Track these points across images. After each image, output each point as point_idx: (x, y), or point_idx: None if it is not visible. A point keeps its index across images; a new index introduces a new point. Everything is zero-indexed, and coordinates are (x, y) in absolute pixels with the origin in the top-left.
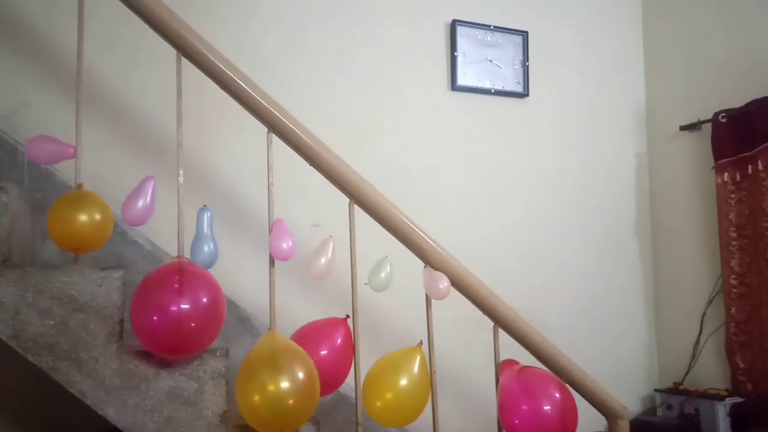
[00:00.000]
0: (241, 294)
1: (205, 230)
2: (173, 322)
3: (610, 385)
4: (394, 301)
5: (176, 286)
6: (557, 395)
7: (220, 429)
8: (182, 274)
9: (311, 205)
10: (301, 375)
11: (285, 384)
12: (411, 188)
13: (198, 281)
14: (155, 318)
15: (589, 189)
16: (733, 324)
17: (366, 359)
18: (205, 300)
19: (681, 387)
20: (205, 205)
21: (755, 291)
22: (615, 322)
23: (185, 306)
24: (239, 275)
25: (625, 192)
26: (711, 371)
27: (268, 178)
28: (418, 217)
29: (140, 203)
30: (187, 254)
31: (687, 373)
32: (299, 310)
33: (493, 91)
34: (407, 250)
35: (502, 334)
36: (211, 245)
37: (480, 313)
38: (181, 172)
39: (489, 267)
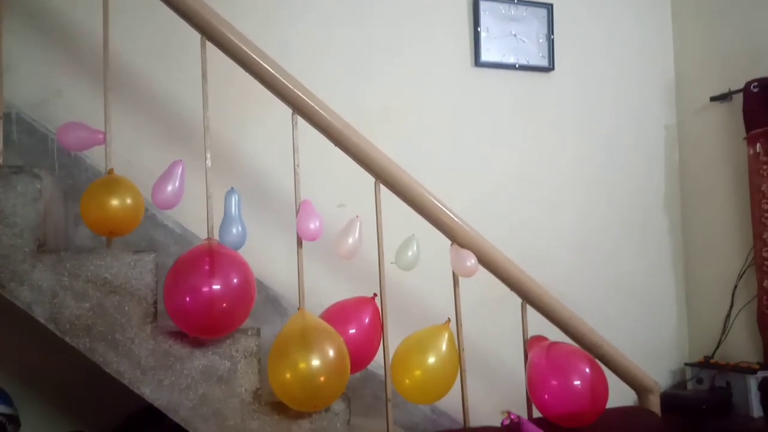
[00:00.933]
0: (269, 274)
1: (234, 212)
2: (205, 302)
3: (640, 359)
4: (421, 280)
5: (207, 267)
6: (587, 370)
7: (253, 406)
8: (212, 256)
9: (337, 186)
10: (331, 353)
11: (316, 362)
12: (435, 168)
13: (228, 262)
14: (188, 299)
15: (616, 163)
16: (765, 297)
17: (394, 337)
18: (235, 281)
19: (712, 360)
20: (232, 188)
21: None
22: (645, 297)
23: (216, 287)
24: (267, 256)
25: (654, 165)
26: (742, 345)
27: (293, 159)
28: (443, 196)
29: (170, 187)
30: (216, 236)
31: (718, 347)
32: (327, 290)
33: (517, 66)
34: (434, 228)
35: (531, 311)
36: (239, 227)
37: (507, 290)
38: (208, 155)
39: (516, 246)
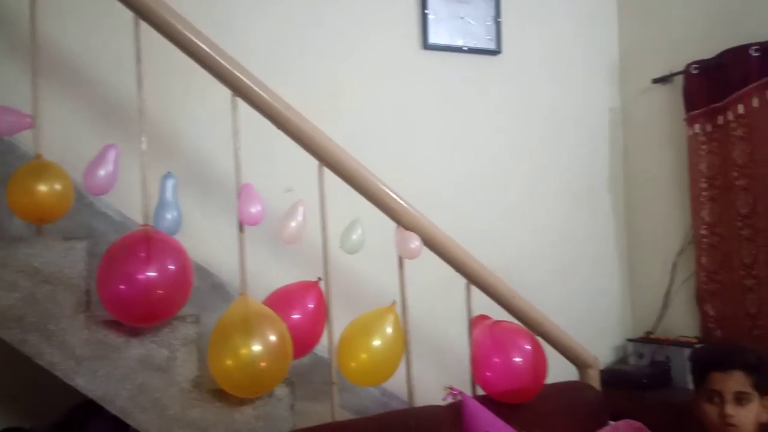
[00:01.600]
0: (215, 261)
1: (169, 197)
2: (141, 290)
3: (585, 337)
4: (368, 263)
5: (143, 254)
6: (528, 347)
7: (193, 394)
8: (148, 242)
9: (283, 171)
10: (273, 338)
11: (257, 347)
12: (383, 150)
13: (164, 248)
14: (122, 287)
15: (563, 144)
16: (703, 273)
17: (340, 321)
18: (172, 267)
19: (652, 336)
20: (169, 172)
21: (725, 241)
22: (590, 276)
23: (152, 274)
24: (212, 242)
25: (599, 146)
26: (682, 320)
27: (234, 142)
28: (392, 180)
29: (102, 172)
30: (151, 222)
31: (658, 323)
32: (274, 275)
33: (465, 48)
34: (380, 211)
35: (476, 292)
36: (175, 212)
37: (455, 273)
38: (143, 139)
39: (463, 228)
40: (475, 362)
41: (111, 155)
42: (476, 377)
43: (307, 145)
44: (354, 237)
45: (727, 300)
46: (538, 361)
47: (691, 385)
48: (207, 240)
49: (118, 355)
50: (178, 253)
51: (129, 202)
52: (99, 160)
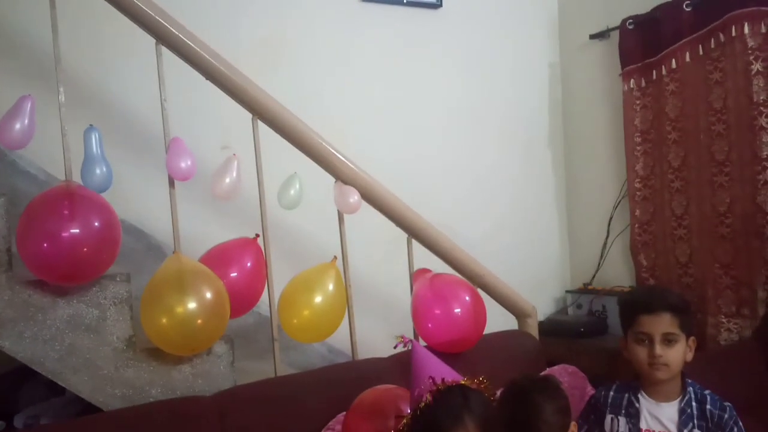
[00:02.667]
0: (151, 223)
1: (95, 151)
2: (64, 248)
3: (525, 289)
4: (307, 220)
5: (65, 211)
6: (467, 298)
7: (127, 354)
8: (71, 198)
9: (220, 127)
10: (208, 295)
11: (192, 305)
12: (321, 106)
13: (88, 205)
14: (45, 245)
15: (503, 99)
16: (637, 225)
17: (281, 279)
18: (97, 224)
19: (590, 287)
20: (91, 125)
21: (658, 193)
22: (530, 230)
23: (76, 231)
24: (146, 202)
25: (539, 102)
26: (617, 271)
27: (160, 93)
28: (330, 136)
29: (18, 125)
30: (77, 179)
31: (595, 274)
32: (212, 235)
33: (405, 1)
34: (318, 166)
35: (418, 247)
36: (104, 167)
37: (397, 228)
38: (61, 89)
39: (405, 183)
40: (416, 314)
41: (26, 107)
42: (418, 329)
43: (239, 98)
44: (292, 192)
45: (660, 250)
46: (478, 312)
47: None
48: (139, 199)
49: (45, 315)
50: (102, 209)
51: (54, 160)
52: (13, 112)
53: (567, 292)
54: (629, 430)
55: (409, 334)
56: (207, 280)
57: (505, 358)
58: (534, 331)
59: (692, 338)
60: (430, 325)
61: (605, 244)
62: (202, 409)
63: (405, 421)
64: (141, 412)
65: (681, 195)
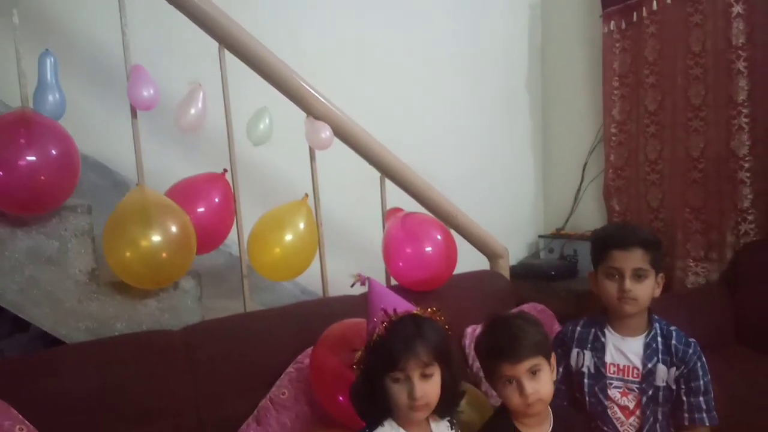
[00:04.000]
0: (117, 160)
1: (49, 78)
2: (22, 176)
3: (499, 233)
4: (278, 157)
5: (22, 139)
6: (439, 237)
7: (90, 287)
8: (28, 126)
9: (186, 59)
10: (174, 229)
11: (157, 238)
12: (297, 46)
13: (45, 132)
14: (1, 174)
15: (482, 42)
16: (611, 170)
17: (251, 215)
18: (54, 152)
19: (562, 232)
20: (47, 50)
21: (633, 137)
22: (506, 176)
23: (33, 159)
24: (112, 138)
25: (518, 45)
26: (590, 216)
27: (120, 19)
28: (305, 74)
29: None
30: (31, 105)
31: (568, 219)
32: (180, 171)
33: None
34: (289, 101)
35: (392, 187)
36: (57, 95)
37: (371, 168)
38: (15, 11)
39: (380, 126)
40: (388, 253)
41: None
42: (389, 268)
43: (205, 25)
44: (261, 127)
45: (632, 195)
46: (449, 250)
47: None
48: (104, 134)
49: (4, 247)
50: (60, 137)
51: (8, 87)
52: None
53: (540, 236)
54: (594, 363)
55: (381, 275)
56: (172, 214)
57: (477, 297)
58: (505, 272)
59: (661, 275)
60: (401, 264)
61: (579, 189)
62: (170, 342)
63: (359, 353)
64: (107, 344)
65: (656, 140)
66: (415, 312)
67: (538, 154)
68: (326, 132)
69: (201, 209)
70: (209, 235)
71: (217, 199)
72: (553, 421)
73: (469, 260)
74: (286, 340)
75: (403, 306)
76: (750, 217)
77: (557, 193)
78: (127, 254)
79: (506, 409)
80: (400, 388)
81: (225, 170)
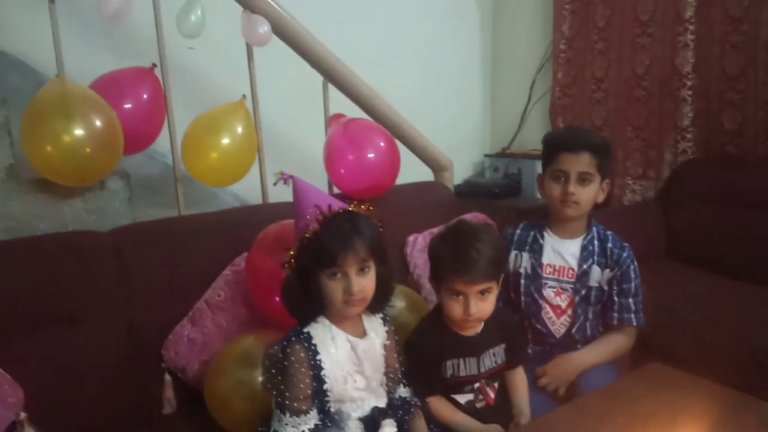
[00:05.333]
0: (42, 60)
1: None
2: None
3: (447, 153)
4: (214, 58)
5: None
6: (381, 144)
7: (9, 185)
8: None
9: None
10: (98, 123)
11: (80, 132)
12: None
13: None
14: None
15: None
16: (558, 88)
17: (184, 116)
18: None
19: (508, 151)
20: None
21: (581, 55)
22: (455, 94)
23: None
24: (33, 34)
25: None
26: (535, 135)
27: None
28: None
29: None
30: None
31: (514, 138)
32: (105, 68)
33: None
34: None
35: (336, 94)
36: None
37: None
38: None
39: (329, 39)
40: (329, 160)
41: None
42: (330, 175)
43: None
44: (192, 18)
45: (577, 113)
46: (392, 158)
47: (537, 195)
48: (25, 30)
49: None
50: None
51: None
52: None
53: (485, 156)
54: (532, 264)
55: (324, 184)
56: (96, 107)
57: (420, 207)
58: (450, 184)
59: (606, 181)
60: (342, 171)
61: (526, 108)
62: (98, 243)
63: (291, 252)
64: (30, 244)
65: (603, 57)
66: (350, 208)
67: (486, 73)
68: (264, 27)
69: (128, 106)
70: (138, 133)
71: (145, 96)
72: (484, 322)
73: (413, 174)
74: (222, 245)
75: (336, 203)
76: (689, 136)
77: (504, 112)
78: (48, 149)
79: (441, 311)
80: (336, 285)
81: (154, 65)
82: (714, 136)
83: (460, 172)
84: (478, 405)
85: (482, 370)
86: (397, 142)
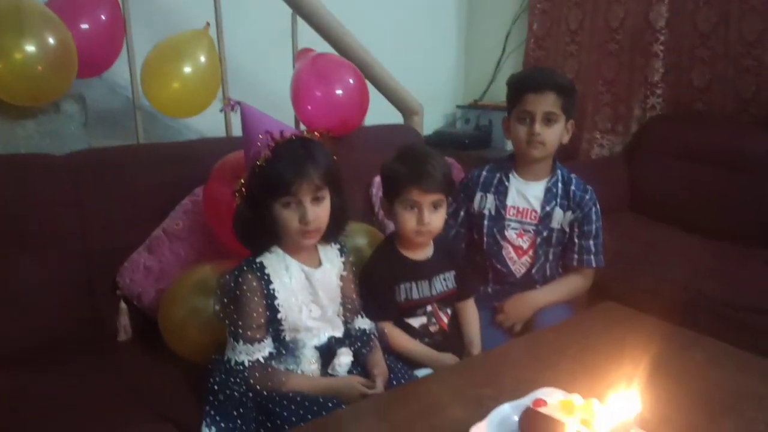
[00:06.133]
0: None
1: None
2: None
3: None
4: None
5: None
6: (350, 80)
7: None
8: None
9: None
10: (51, 41)
11: (31, 48)
12: None
13: None
14: None
15: None
16: (533, 40)
17: (143, 43)
18: None
19: (480, 103)
20: None
21: (557, 6)
22: (428, 45)
23: None
24: None
25: None
26: None
27: None
28: None
29: None
30: None
31: (486, 90)
32: None
33: None
34: None
35: (306, 28)
36: None
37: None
38: None
39: None
40: (296, 96)
41: None
42: (297, 111)
43: None
44: None
45: (550, 66)
46: (361, 95)
47: (507, 147)
48: None
49: None
50: None
51: None
52: None
53: (457, 107)
54: (496, 206)
55: (290, 120)
56: (50, 25)
57: (387, 149)
58: (420, 129)
59: (571, 121)
60: (309, 107)
61: (500, 60)
62: (51, 166)
63: (242, 180)
64: None
65: (578, 9)
66: (303, 134)
67: (462, 23)
68: None
69: (85, 26)
70: (93, 56)
71: (103, 17)
72: (434, 249)
73: (382, 119)
74: (181, 174)
75: (289, 129)
76: (659, 91)
77: (478, 63)
78: None
79: (393, 239)
80: (290, 213)
81: None
82: (683, 93)
83: (431, 124)
84: (432, 329)
85: (434, 292)
86: (368, 83)
